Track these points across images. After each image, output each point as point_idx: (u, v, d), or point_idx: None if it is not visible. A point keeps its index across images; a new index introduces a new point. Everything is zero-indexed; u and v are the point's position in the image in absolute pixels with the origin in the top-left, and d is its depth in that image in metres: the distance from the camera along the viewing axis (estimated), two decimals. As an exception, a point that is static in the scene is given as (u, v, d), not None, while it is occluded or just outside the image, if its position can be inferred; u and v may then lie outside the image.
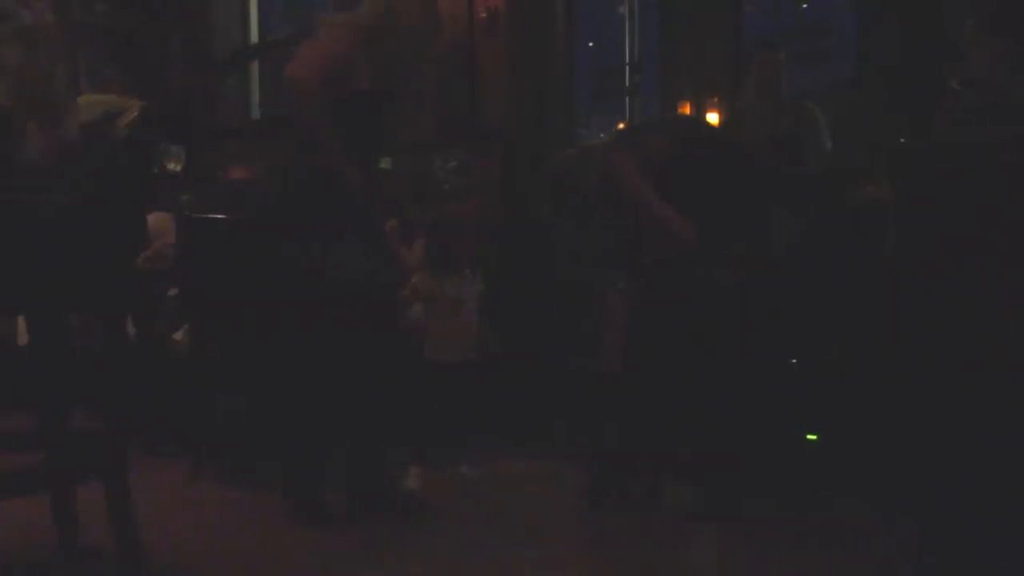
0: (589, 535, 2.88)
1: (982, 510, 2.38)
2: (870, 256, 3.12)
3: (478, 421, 3.68)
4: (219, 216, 3.51)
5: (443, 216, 3.79)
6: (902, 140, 2.87)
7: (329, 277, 2.71)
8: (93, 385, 2.24)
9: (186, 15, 6.37)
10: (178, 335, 3.75)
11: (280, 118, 4.98)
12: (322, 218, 2.73)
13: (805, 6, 5.68)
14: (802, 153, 3.69)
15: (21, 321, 3.29)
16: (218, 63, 6.45)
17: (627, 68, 5.32)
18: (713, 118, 4.49)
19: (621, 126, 5.11)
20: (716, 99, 4.50)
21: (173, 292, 3.87)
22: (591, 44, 5.95)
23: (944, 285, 2.53)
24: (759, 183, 3.13)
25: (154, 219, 3.77)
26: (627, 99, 5.36)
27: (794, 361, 3.28)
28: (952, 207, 2.58)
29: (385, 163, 5.59)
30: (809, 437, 3.27)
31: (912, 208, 2.76)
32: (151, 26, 6.20)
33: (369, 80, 2.77)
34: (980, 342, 2.43)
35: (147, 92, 4.85)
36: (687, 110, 4.54)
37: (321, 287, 2.73)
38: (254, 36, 6.71)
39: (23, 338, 3.26)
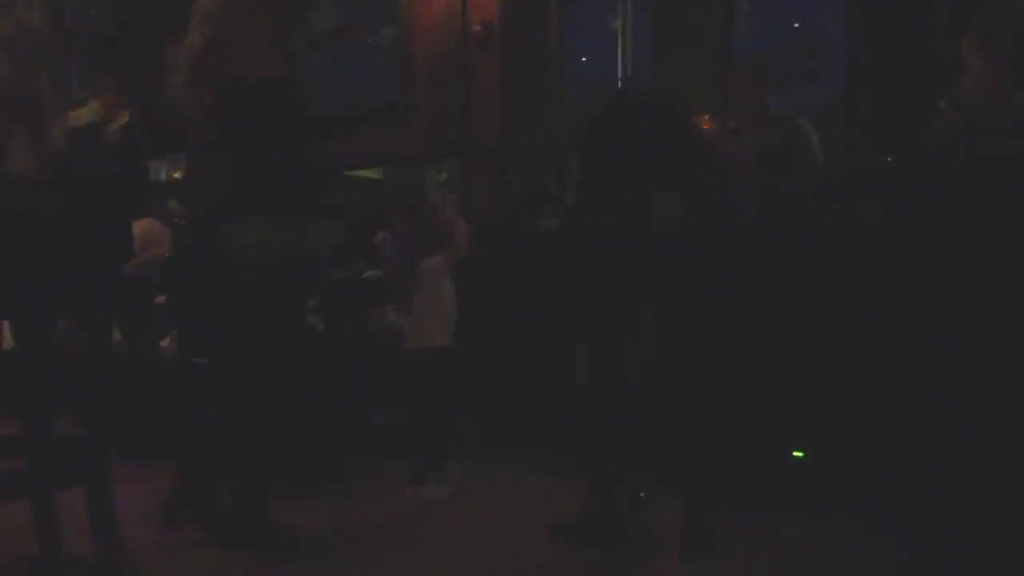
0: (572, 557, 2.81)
1: (968, 525, 2.39)
2: (862, 272, 3.14)
3: (457, 432, 3.67)
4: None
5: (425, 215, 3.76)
6: (889, 159, 2.88)
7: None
8: (77, 392, 2.23)
9: (181, 21, 6.36)
10: (165, 342, 3.74)
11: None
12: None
13: (797, 25, 5.72)
14: (792, 169, 3.71)
15: (6, 326, 3.27)
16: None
17: (619, 83, 5.35)
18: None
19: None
20: (708, 115, 4.52)
21: (161, 299, 3.87)
22: (584, 59, 5.97)
23: (936, 299, 2.54)
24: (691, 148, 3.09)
25: (145, 225, 3.76)
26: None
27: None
28: (946, 223, 2.60)
29: (375, 173, 5.62)
30: (796, 454, 3.27)
31: (905, 224, 2.78)
32: (145, 32, 6.19)
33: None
34: (973, 351, 2.44)
35: (140, 99, 4.84)
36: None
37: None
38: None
39: (7, 343, 3.24)
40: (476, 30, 5.10)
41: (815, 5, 5.21)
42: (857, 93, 4.08)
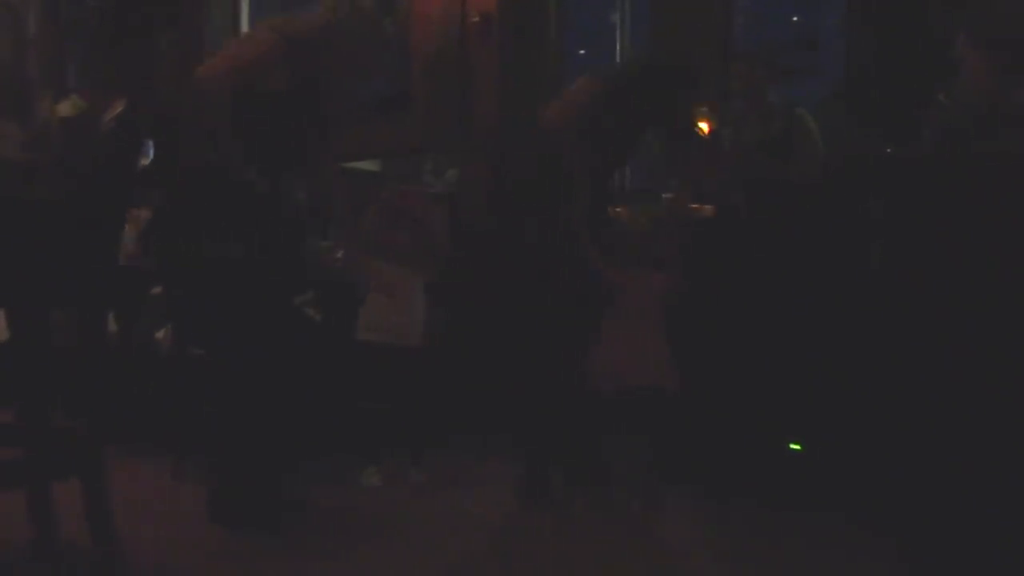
0: (554, 540, 2.83)
1: (964, 524, 2.38)
2: (856, 265, 3.13)
3: (447, 418, 3.68)
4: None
5: (389, 201, 3.76)
6: (888, 150, 2.87)
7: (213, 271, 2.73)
8: (71, 382, 2.22)
9: (178, 13, 6.33)
10: (160, 334, 3.72)
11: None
12: (212, 214, 2.75)
13: (796, 18, 5.71)
14: (791, 157, 3.72)
15: (1, 316, 3.26)
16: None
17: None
18: (703, 127, 4.50)
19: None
20: (706, 107, 4.51)
21: (157, 290, 3.84)
22: (582, 51, 5.96)
23: (930, 293, 2.54)
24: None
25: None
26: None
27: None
28: (940, 217, 2.59)
29: (373, 166, 5.59)
30: (793, 446, 3.27)
31: (899, 218, 2.77)
32: (141, 22, 6.16)
33: (283, 85, 2.78)
34: (970, 350, 2.43)
35: (135, 90, 4.82)
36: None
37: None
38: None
39: (3, 334, 3.22)
40: (474, 21, 5.08)
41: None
42: (856, 87, 4.08)
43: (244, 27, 6.58)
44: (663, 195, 3.85)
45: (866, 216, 3.10)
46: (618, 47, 5.45)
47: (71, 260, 2.17)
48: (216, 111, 2.68)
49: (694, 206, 3.83)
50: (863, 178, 3.20)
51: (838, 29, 4.49)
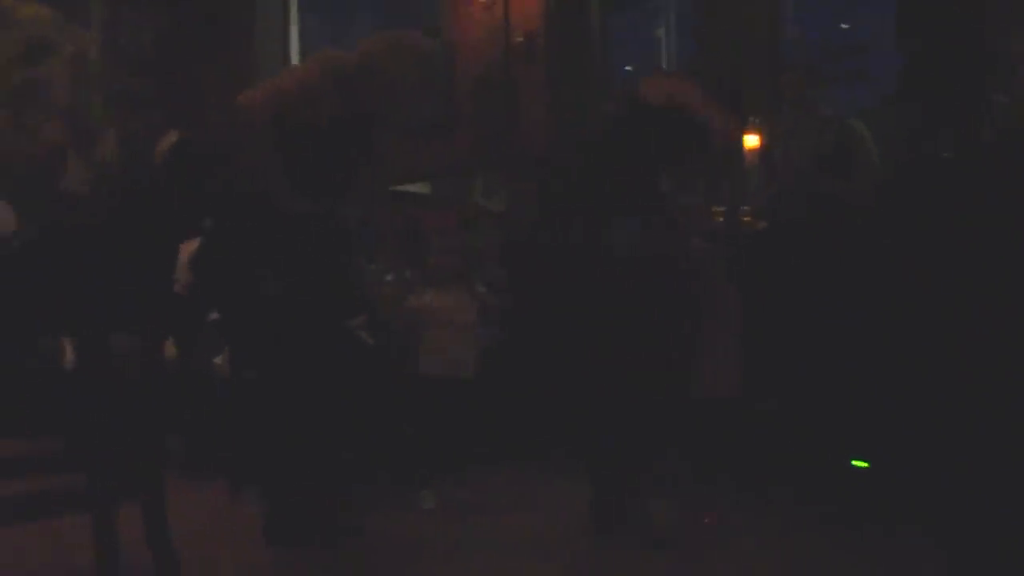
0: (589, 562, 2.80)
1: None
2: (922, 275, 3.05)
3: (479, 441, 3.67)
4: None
5: (417, 224, 3.77)
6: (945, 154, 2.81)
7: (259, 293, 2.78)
8: (132, 407, 2.26)
9: (228, 46, 6.47)
10: (218, 359, 3.78)
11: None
12: (256, 238, 2.79)
13: (844, 25, 5.63)
14: (848, 171, 3.64)
15: (67, 343, 3.33)
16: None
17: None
18: (753, 140, 4.44)
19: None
20: (756, 119, 4.45)
21: (214, 316, 3.90)
22: (628, 68, 5.94)
23: (993, 299, 2.47)
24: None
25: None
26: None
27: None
28: (1000, 217, 2.52)
29: (424, 187, 5.63)
30: (857, 463, 3.19)
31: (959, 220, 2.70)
32: (194, 56, 6.30)
33: (331, 117, 2.82)
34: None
35: (188, 122, 4.92)
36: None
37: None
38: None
39: (70, 360, 3.30)
40: (519, 41, 5.10)
41: (864, 5, 5.12)
42: (908, 91, 3.99)
43: (293, 58, 6.70)
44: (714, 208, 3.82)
45: (926, 220, 3.01)
46: (664, 61, 5.43)
47: (130, 285, 2.21)
48: (257, 137, 2.72)
49: (747, 219, 3.79)
50: (921, 183, 3.12)
51: (888, 34, 4.40)
